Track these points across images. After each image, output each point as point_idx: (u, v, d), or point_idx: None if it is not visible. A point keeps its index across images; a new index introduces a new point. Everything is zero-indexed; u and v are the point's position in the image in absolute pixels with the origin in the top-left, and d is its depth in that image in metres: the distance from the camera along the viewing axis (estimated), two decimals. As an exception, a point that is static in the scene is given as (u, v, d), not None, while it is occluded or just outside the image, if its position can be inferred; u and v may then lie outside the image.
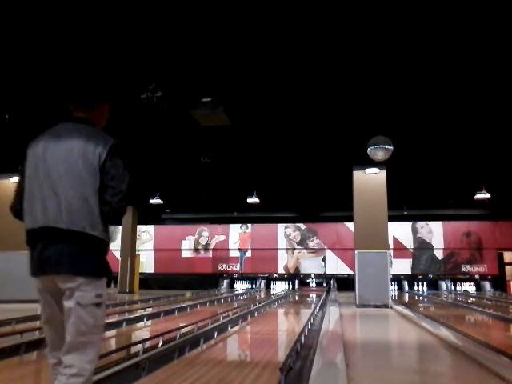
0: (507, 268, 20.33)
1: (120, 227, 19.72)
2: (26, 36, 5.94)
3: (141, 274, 20.88)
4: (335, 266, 21.37)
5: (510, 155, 11.25)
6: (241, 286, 22.36)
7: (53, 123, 2.16)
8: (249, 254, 22.46)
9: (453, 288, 20.86)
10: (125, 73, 6.98)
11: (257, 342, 6.39)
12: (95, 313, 1.97)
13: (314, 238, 21.93)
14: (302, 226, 22.15)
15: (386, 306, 11.16)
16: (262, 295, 17.15)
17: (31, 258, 2.03)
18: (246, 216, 21.90)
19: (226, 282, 22.45)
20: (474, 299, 15.65)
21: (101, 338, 2.05)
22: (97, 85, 2.27)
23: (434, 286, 21.01)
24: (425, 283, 21.22)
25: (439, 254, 21.02)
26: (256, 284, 22.10)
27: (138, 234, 21.10)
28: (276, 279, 22.12)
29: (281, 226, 22.25)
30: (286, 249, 22.12)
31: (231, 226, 22.80)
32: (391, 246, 19.26)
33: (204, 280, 22.03)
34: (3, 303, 10.43)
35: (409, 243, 21.22)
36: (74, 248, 1.96)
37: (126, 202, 2.04)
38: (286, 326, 9.14)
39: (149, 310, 10.20)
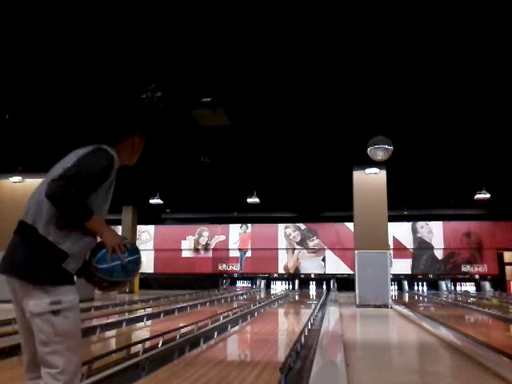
0: (507, 268, 20.34)
1: (120, 227, 19.72)
2: (27, 36, 5.94)
3: (141, 273, 20.84)
4: (335, 265, 21.36)
5: (510, 155, 11.24)
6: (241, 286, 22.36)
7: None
8: (249, 253, 22.45)
9: (453, 288, 20.84)
10: (125, 73, 6.98)
11: (257, 342, 6.39)
12: (52, 321, 1.82)
13: (314, 238, 21.92)
14: (302, 225, 22.14)
15: (386, 306, 11.16)
16: (262, 295, 17.15)
17: None
18: (245, 216, 21.88)
19: (225, 281, 22.44)
20: (473, 299, 15.65)
21: (71, 346, 1.85)
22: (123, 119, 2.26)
23: (434, 286, 20.98)
24: (425, 283, 21.19)
25: (439, 254, 21.01)
26: (256, 284, 22.10)
27: (137, 234, 21.09)
28: (276, 279, 22.09)
29: (281, 226, 22.23)
30: (286, 249, 22.11)
31: (231, 225, 22.78)
32: (391, 246, 19.27)
33: (204, 280, 22.03)
34: (3, 303, 10.39)
35: (409, 243, 21.21)
36: (26, 247, 1.85)
37: (70, 185, 1.81)
38: (286, 326, 9.14)
39: (149, 310, 10.19)
